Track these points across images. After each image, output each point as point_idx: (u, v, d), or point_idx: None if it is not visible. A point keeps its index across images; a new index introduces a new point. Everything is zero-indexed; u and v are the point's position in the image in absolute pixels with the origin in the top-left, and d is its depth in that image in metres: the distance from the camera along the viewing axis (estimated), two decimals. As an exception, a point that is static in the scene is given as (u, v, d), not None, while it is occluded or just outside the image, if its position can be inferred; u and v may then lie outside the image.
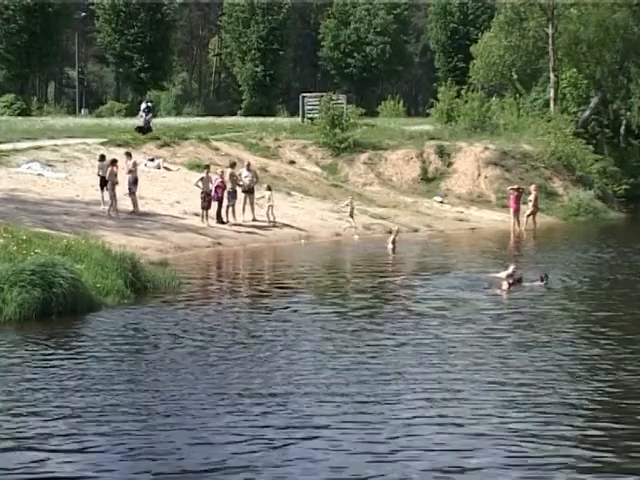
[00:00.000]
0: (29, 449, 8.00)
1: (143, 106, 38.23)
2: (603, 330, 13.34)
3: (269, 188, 27.26)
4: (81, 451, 7.99)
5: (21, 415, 8.93)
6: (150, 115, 37.73)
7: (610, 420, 9.01)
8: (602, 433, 8.63)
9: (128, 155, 26.26)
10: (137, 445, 8.14)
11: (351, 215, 28.06)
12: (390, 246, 23.46)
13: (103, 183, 24.83)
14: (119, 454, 7.93)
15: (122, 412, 9.05)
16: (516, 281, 17.43)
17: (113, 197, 24.31)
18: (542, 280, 17.64)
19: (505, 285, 17.05)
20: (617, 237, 29.31)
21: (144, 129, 36.14)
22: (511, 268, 17.98)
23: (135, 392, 9.78)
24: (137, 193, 25.32)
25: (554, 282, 17.89)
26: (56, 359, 11.24)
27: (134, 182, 25.10)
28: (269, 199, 26.83)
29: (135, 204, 25.11)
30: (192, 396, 9.64)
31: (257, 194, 27.29)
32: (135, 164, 25.85)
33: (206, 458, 7.86)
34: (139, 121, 37.92)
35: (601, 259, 22.75)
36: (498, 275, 17.94)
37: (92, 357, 11.38)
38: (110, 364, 11.03)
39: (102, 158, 26.01)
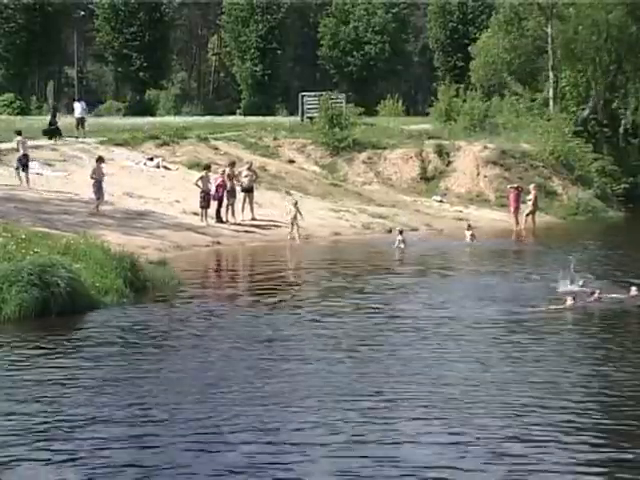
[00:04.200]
0: (27, 448, 8.00)
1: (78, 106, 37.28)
2: None
3: (296, 203, 25.84)
4: (80, 450, 7.98)
5: (20, 414, 8.93)
6: (58, 116, 36.38)
7: None
8: None
9: (18, 133, 27.52)
10: (137, 444, 8.14)
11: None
12: (468, 239, 25.38)
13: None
14: (118, 454, 7.91)
15: (122, 411, 9.05)
16: (587, 295, 15.36)
17: (101, 194, 24.48)
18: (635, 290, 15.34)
19: (570, 301, 14.80)
20: (629, 236, 28.89)
21: (47, 131, 34.48)
22: (581, 282, 16.24)
23: (135, 391, 9.78)
24: (28, 173, 26.29)
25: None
26: (55, 358, 11.25)
27: (23, 159, 26.33)
28: (295, 216, 25.17)
29: (26, 180, 26.01)
30: (192, 395, 9.64)
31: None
32: (23, 143, 26.70)
33: (207, 457, 7.86)
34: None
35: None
36: (569, 288, 15.99)
37: (91, 356, 11.38)
38: (109, 363, 11.03)
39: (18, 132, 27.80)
